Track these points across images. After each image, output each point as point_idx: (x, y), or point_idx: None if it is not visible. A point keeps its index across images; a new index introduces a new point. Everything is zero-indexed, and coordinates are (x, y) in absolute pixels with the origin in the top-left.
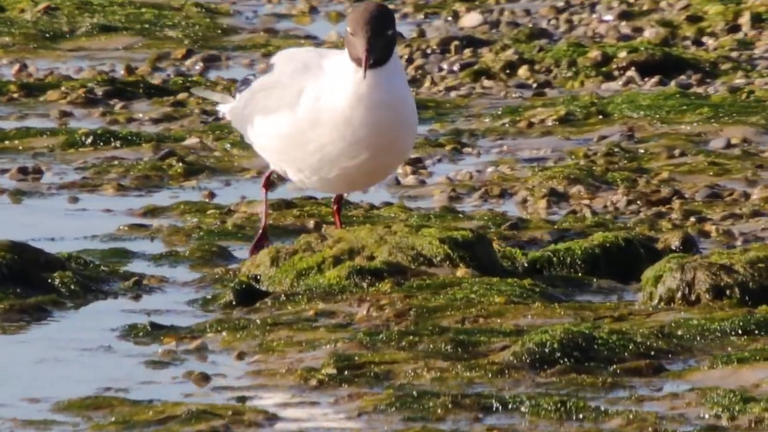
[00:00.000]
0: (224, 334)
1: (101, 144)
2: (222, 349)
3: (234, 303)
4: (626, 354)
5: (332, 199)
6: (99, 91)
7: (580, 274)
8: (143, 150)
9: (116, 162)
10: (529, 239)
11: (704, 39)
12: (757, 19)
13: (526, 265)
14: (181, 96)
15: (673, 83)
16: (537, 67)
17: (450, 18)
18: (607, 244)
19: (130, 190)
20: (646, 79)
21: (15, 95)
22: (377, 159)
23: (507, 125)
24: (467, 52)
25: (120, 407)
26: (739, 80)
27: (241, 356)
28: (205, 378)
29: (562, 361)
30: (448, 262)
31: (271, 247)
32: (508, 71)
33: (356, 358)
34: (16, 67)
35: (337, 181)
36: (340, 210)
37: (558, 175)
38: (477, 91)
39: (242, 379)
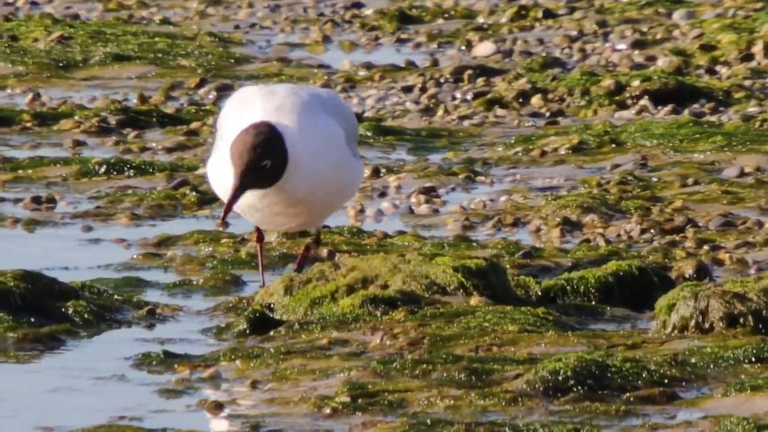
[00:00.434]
0: (238, 362)
1: (114, 173)
2: (236, 377)
3: (248, 331)
4: (640, 382)
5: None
6: (112, 120)
7: (593, 303)
8: (157, 179)
9: (130, 191)
10: (543, 267)
11: (717, 67)
12: None
13: (539, 293)
14: (195, 125)
15: (686, 112)
16: (550, 96)
17: (463, 47)
18: (621, 273)
19: (143, 219)
20: (659, 107)
21: (28, 124)
22: (297, 219)
23: (520, 154)
24: (480, 81)
25: None
26: (752, 109)
27: (254, 385)
28: (218, 406)
29: (575, 389)
30: (461, 291)
31: (284, 276)
32: (521, 100)
33: (370, 386)
34: (30, 96)
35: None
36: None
37: (571, 203)
38: (490, 120)
39: (256, 407)
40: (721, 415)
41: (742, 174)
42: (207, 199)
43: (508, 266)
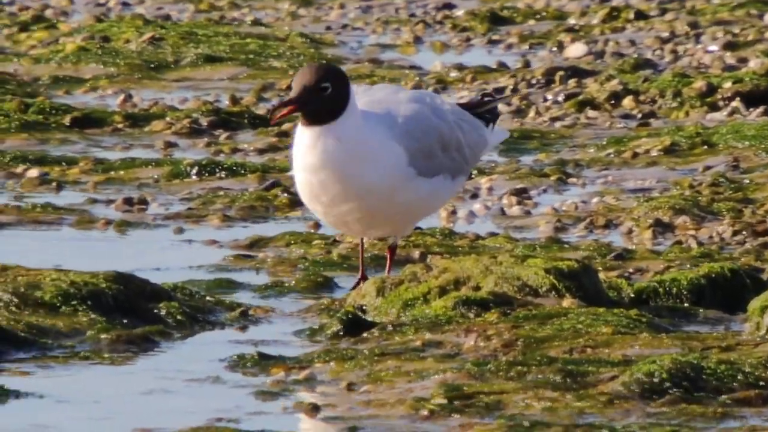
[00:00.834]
0: (332, 364)
1: (206, 175)
2: (331, 379)
3: (341, 333)
4: (735, 384)
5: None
6: (204, 122)
7: (686, 305)
8: (248, 180)
9: (221, 192)
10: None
11: None
12: None
13: (632, 295)
14: (286, 126)
15: None
16: (642, 97)
17: (555, 48)
18: (713, 275)
19: (235, 220)
20: (751, 109)
21: (120, 126)
22: (339, 208)
23: (612, 155)
24: (572, 82)
25: None
26: None
27: (350, 386)
28: (315, 409)
29: (671, 391)
30: (554, 293)
31: (377, 278)
32: (612, 102)
33: (465, 388)
34: (121, 97)
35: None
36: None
37: (663, 205)
38: (581, 122)
39: (353, 409)
40: None
41: None
42: (298, 200)
43: (600, 268)
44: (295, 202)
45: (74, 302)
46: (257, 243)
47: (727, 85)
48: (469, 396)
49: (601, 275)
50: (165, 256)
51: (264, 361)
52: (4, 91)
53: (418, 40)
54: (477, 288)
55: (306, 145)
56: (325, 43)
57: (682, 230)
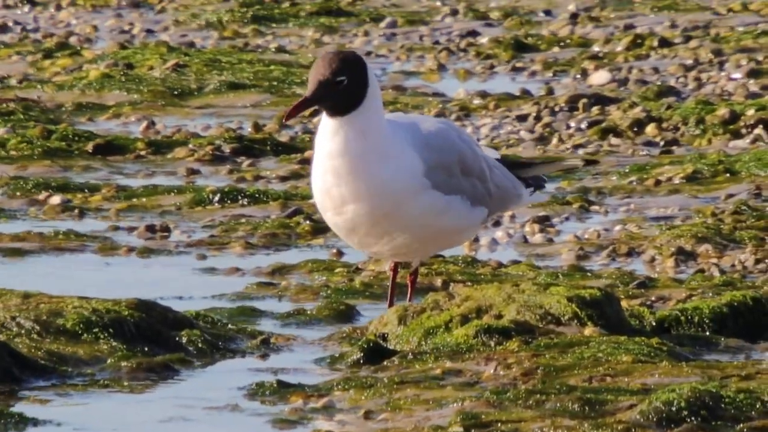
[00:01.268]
0: (351, 392)
1: (228, 202)
2: (349, 407)
3: (362, 361)
4: (754, 413)
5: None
6: (226, 149)
7: (707, 333)
8: (271, 208)
9: (244, 220)
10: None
11: None
12: None
13: (654, 323)
14: (309, 153)
15: None
16: (665, 124)
17: (579, 75)
18: (735, 303)
19: (257, 248)
20: None
21: (143, 152)
22: (349, 207)
23: (634, 183)
24: (595, 109)
25: None
26: None
27: (368, 415)
28: None
29: (689, 420)
30: (576, 321)
31: (398, 306)
32: (635, 129)
33: (483, 416)
34: (144, 124)
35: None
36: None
37: (686, 233)
38: (604, 149)
39: None
40: None
41: None
42: (321, 228)
43: (622, 296)
44: (318, 230)
45: (96, 330)
46: (280, 270)
47: (750, 112)
48: (487, 424)
49: (624, 303)
50: (187, 284)
51: (283, 389)
52: (27, 117)
53: (441, 67)
54: (499, 316)
55: (328, 132)
56: None
57: (705, 258)
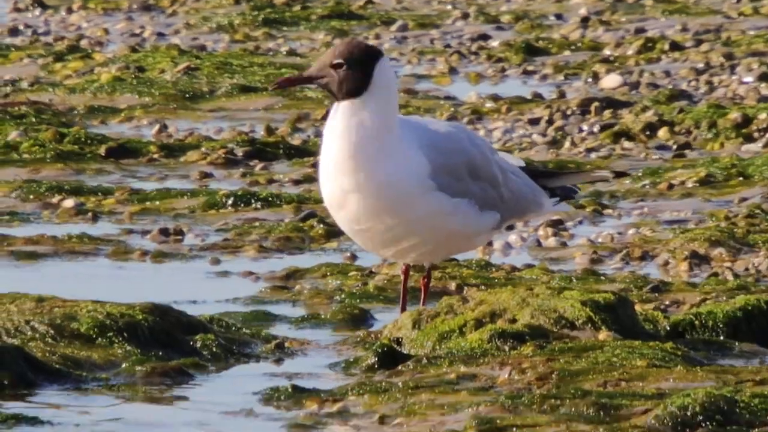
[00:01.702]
0: (366, 397)
1: (242, 205)
2: (364, 412)
3: (376, 366)
4: None
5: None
6: (239, 152)
7: (721, 338)
8: (284, 211)
9: (257, 223)
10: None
11: None
12: None
13: (668, 328)
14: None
15: None
16: (677, 128)
17: (590, 79)
18: (749, 308)
19: (271, 251)
20: None
21: (155, 156)
22: (351, 203)
23: (647, 187)
24: (607, 113)
25: None
26: None
27: (383, 419)
28: None
29: (704, 425)
30: (590, 325)
31: (413, 310)
32: (648, 132)
33: (498, 421)
34: (157, 127)
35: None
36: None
37: (699, 237)
38: (617, 153)
39: None
40: None
41: None
42: (334, 231)
43: (636, 300)
44: (331, 233)
45: (110, 334)
46: (293, 274)
47: (763, 116)
48: (501, 429)
49: (638, 307)
50: (201, 288)
51: (298, 394)
52: (39, 120)
53: (453, 70)
54: (513, 320)
55: (335, 114)
56: None
57: (719, 262)
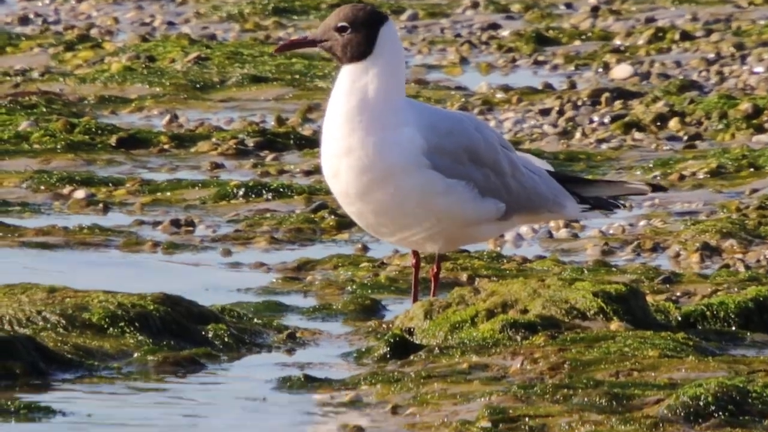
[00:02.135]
0: (378, 386)
1: (253, 196)
2: (376, 401)
3: (388, 356)
4: None
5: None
6: (250, 143)
7: (733, 328)
8: (295, 202)
9: (268, 214)
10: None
11: None
12: None
13: (679, 318)
14: None
15: None
16: (688, 119)
17: (601, 69)
18: (761, 298)
19: (282, 243)
20: None
21: (166, 146)
22: (342, 172)
23: (658, 178)
24: (618, 104)
25: None
26: None
27: (395, 409)
28: (360, 430)
29: (716, 415)
30: (601, 316)
31: (424, 301)
32: (658, 123)
33: (511, 411)
34: (167, 117)
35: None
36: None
37: (710, 228)
38: (628, 144)
39: None
40: None
41: None
42: (346, 222)
43: (647, 291)
44: (342, 225)
45: (122, 324)
46: (305, 265)
47: None
48: (515, 419)
49: (649, 298)
50: (213, 278)
51: (310, 384)
52: (50, 110)
53: (463, 60)
54: (525, 311)
55: (339, 78)
56: None
57: (730, 254)
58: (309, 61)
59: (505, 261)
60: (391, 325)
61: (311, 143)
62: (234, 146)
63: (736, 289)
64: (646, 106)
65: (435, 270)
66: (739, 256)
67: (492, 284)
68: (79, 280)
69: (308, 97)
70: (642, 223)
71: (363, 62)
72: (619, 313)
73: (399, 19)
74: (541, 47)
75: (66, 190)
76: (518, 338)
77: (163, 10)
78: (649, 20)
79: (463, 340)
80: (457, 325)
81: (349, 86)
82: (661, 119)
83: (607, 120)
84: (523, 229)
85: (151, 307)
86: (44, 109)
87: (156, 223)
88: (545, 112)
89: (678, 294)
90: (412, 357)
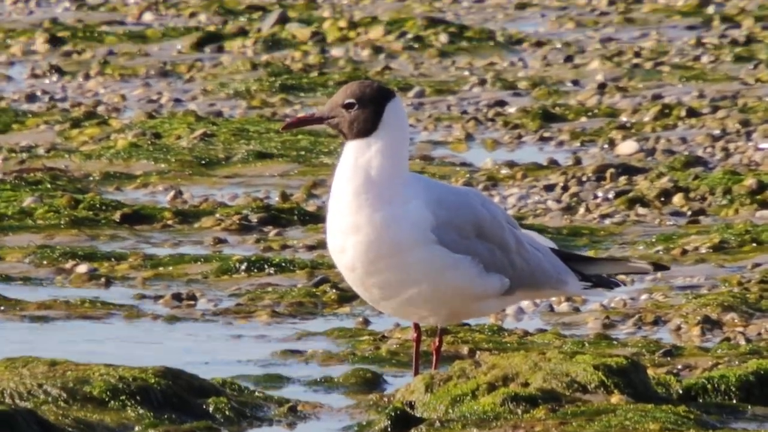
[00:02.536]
0: None
1: (255, 271)
2: None
3: (389, 429)
4: None
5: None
6: (254, 218)
7: (734, 401)
8: (297, 276)
9: (270, 288)
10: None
11: None
12: None
13: (680, 391)
14: None
15: None
16: (692, 194)
17: (606, 145)
18: (762, 372)
19: (284, 316)
20: None
21: (170, 222)
22: (348, 248)
23: (661, 253)
24: (622, 179)
25: None
26: None
27: None
28: None
29: None
30: (602, 389)
31: (425, 374)
32: (662, 199)
33: None
34: (172, 193)
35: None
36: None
37: (712, 302)
38: (631, 219)
39: None
40: None
41: None
42: (347, 296)
43: (648, 364)
44: (344, 299)
45: (123, 397)
46: (306, 338)
47: None
48: None
49: (650, 372)
50: (214, 351)
51: None
52: (54, 186)
53: (469, 137)
54: (526, 384)
55: (344, 154)
56: None
57: (731, 327)
58: (315, 137)
59: (506, 334)
60: (392, 399)
61: (315, 219)
62: (237, 222)
63: (737, 363)
64: (650, 182)
65: (437, 343)
66: (740, 329)
67: (493, 357)
68: (81, 354)
69: (313, 174)
70: (643, 296)
71: (367, 138)
72: (620, 386)
73: (406, 95)
74: (548, 123)
75: (68, 264)
76: (519, 411)
77: (171, 87)
78: (656, 97)
79: (464, 414)
80: (458, 399)
81: (353, 162)
82: (666, 195)
83: (611, 195)
84: (525, 303)
85: (153, 381)
86: (49, 186)
87: (158, 297)
88: (550, 188)
89: (679, 367)
90: (413, 430)
